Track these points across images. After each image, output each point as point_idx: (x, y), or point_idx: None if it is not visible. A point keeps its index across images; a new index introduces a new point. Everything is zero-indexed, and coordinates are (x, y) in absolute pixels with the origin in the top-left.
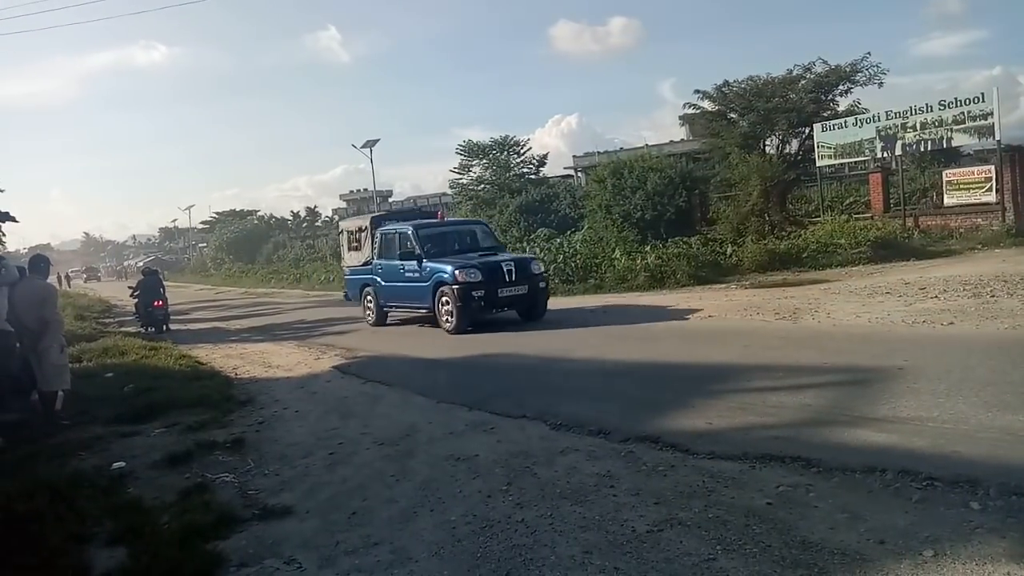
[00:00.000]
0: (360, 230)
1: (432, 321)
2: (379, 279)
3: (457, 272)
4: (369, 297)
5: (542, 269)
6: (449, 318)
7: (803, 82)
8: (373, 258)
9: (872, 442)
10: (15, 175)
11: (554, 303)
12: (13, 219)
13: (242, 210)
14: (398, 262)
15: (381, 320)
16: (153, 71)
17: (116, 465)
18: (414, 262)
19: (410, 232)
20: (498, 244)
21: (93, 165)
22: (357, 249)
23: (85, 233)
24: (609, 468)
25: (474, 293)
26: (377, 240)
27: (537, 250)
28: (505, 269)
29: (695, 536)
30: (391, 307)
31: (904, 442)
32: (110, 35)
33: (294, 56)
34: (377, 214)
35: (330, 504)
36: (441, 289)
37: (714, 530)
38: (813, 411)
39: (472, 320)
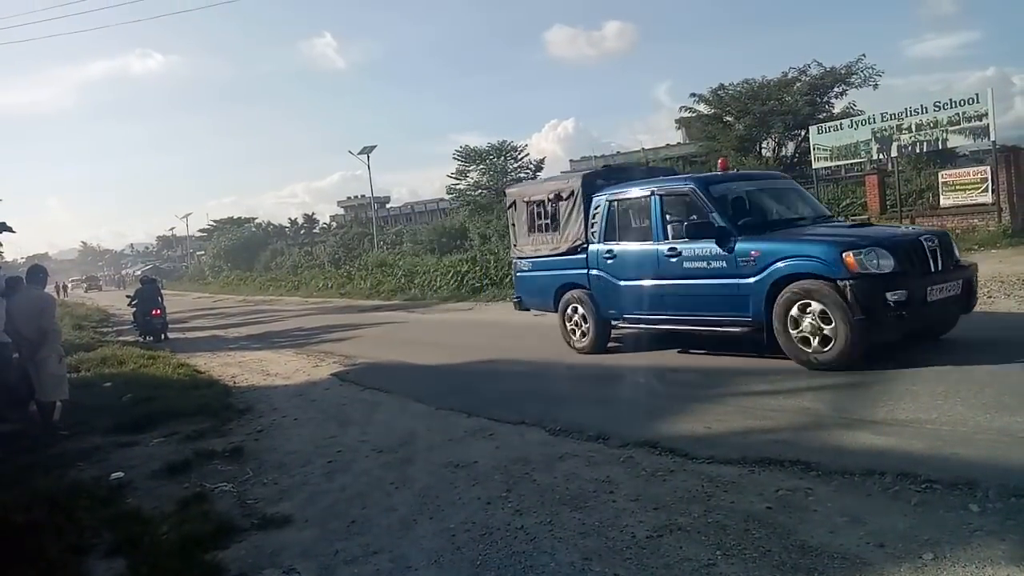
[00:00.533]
0: (557, 197)
1: (736, 344)
2: (608, 275)
3: (847, 255)
4: (577, 306)
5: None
6: (825, 342)
7: (798, 84)
8: (591, 240)
9: (871, 445)
10: (12, 184)
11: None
12: (10, 229)
13: (240, 218)
14: (663, 245)
15: (602, 343)
16: (150, 80)
17: (115, 475)
18: (710, 243)
19: (699, 191)
20: (828, 214)
21: (90, 174)
22: (548, 229)
23: (83, 242)
24: (608, 474)
25: (889, 296)
26: (602, 212)
27: None
28: (928, 249)
29: (695, 541)
30: (640, 318)
31: (903, 444)
32: (108, 44)
33: (290, 64)
34: (590, 172)
35: (329, 513)
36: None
37: (714, 535)
38: (811, 414)
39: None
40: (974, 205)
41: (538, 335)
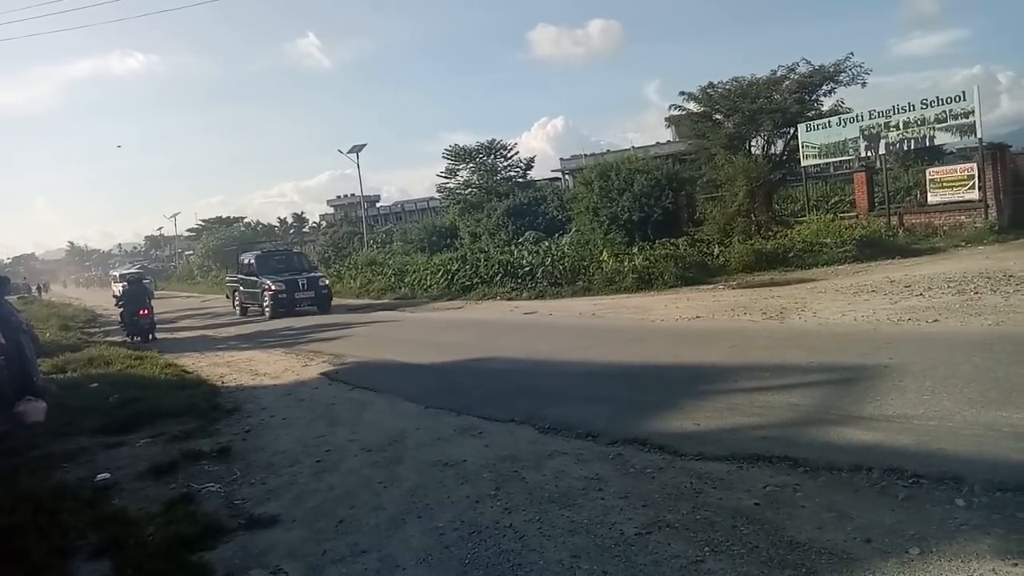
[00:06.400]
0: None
1: None
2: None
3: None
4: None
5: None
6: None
7: (787, 83)
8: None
9: (858, 440)
10: None
11: (537, 306)
12: None
13: (228, 217)
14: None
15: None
16: (136, 79)
17: (100, 476)
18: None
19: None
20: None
21: (77, 174)
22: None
23: (70, 242)
24: (597, 471)
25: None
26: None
27: (525, 253)
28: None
29: (683, 538)
30: None
31: (890, 440)
32: (93, 44)
33: (277, 62)
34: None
35: (317, 512)
36: None
37: (702, 532)
38: (800, 410)
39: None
40: (961, 202)
41: (529, 334)
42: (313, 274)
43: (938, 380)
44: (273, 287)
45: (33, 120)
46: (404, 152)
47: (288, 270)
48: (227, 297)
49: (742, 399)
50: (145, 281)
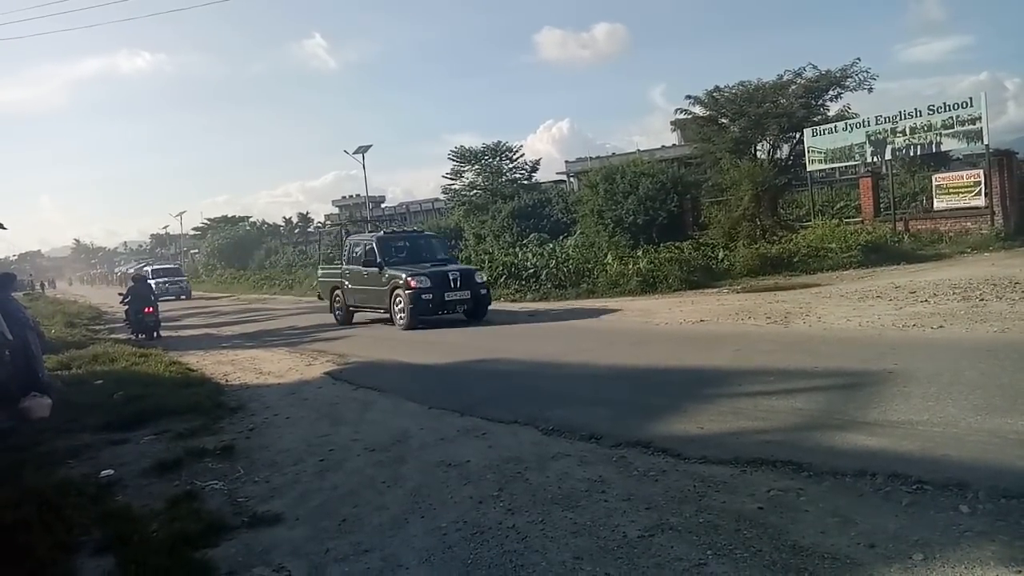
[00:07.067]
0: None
1: None
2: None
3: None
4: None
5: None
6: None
7: (793, 87)
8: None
9: (863, 446)
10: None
11: (538, 307)
12: (1, 226)
13: (234, 216)
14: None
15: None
16: (142, 78)
17: (105, 473)
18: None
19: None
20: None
21: (83, 172)
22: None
23: (76, 240)
24: (601, 473)
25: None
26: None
27: (530, 255)
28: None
29: (686, 541)
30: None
31: (894, 446)
32: (100, 43)
33: (284, 63)
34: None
35: (320, 511)
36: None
37: (705, 535)
38: (804, 415)
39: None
40: (967, 208)
41: (532, 335)
42: (464, 266)
43: (943, 386)
44: (413, 283)
45: (40, 118)
46: (409, 153)
47: (426, 260)
48: (320, 298)
49: (746, 403)
50: (180, 282)
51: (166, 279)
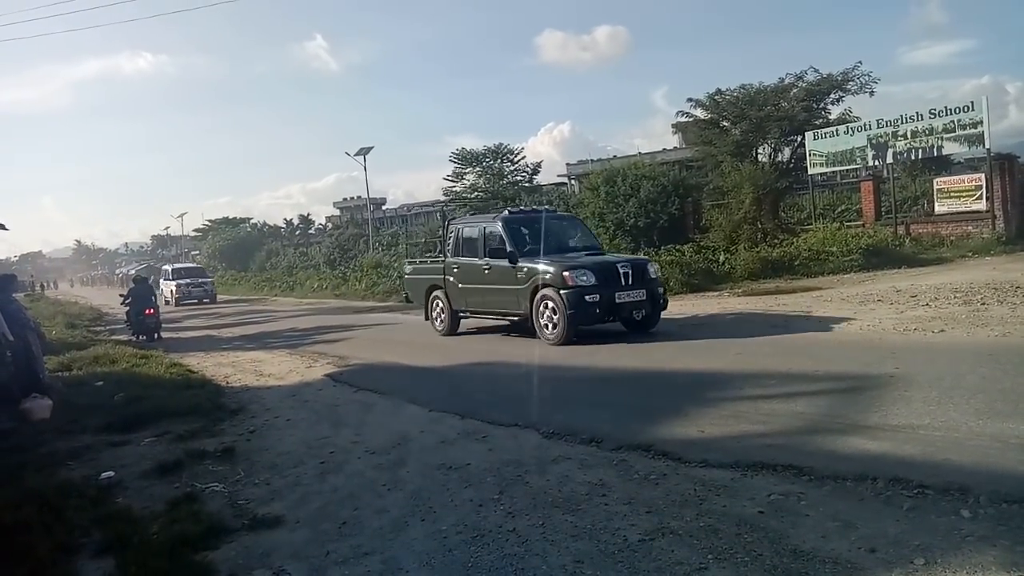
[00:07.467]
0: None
1: None
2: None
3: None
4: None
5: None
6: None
7: (795, 91)
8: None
9: (863, 450)
10: (6, 183)
11: None
12: (3, 227)
13: (235, 218)
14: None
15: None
16: (144, 79)
17: (105, 475)
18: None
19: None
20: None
21: (85, 173)
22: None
23: (77, 241)
24: (601, 477)
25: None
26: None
27: None
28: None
29: (686, 545)
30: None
31: (895, 450)
32: (102, 43)
33: (285, 64)
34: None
35: (320, 514)
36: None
37: (705, 539)
38: (805, 419)
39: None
40: (969, 212)
41: (533, 338)
42: (630, 256)
43: (944, 390)
44: (571, 279)
45: (42, 119)
46: (411, 155)
47: (569, 248)
48: (407, 300)
49: (747, 406)
50: (204, 284)
51: (188, 280)
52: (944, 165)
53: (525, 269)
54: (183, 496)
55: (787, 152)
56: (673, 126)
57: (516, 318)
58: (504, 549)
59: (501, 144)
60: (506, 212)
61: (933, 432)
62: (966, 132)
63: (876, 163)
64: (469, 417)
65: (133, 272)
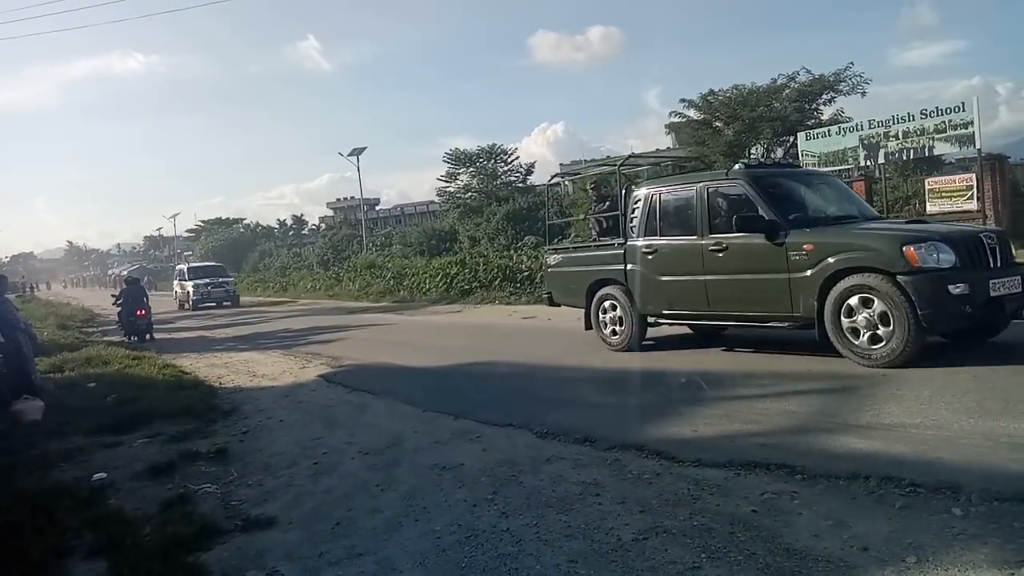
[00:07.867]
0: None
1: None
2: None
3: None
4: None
5: None
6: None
7: (787, 91)
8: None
9: (856, 449)
10: None
11: (535, 311)
12: None
13: (228, 218)
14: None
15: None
16: (136, 79)
17: (97, 476)
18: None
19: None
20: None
21: (77, 173)
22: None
23: (69, 241)
24: (595, 476)
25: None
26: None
27: (524, 258)
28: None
29: (680, 544)
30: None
31: (887, 448)
32: (94, 44)
33: (278, 64)
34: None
35: (314, 514)
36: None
37: (699, 538)
38: (798, 418)
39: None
40: (959, 212)
41: (526, 338)
42: (983, 227)
43: (936, 389)
44: (921, 259)
45: (33, 119)
46: (404, 156)
47: (848, 218)
48: (551, 302)
49: (740, 406)
50: (225, 284)
51: (207, 280)
52: (935, 165)
53: (806, 246)
54: (176, 497)
55: (780, 152)
56: (666, 126)
57: (783, 325)
58: (498, 549)
59: (495, 144)
60: (740, 165)
61: (925, 431)
62: (957, 132)
63: (868, 163)
64: (462, 417)
65: (125, 273)
